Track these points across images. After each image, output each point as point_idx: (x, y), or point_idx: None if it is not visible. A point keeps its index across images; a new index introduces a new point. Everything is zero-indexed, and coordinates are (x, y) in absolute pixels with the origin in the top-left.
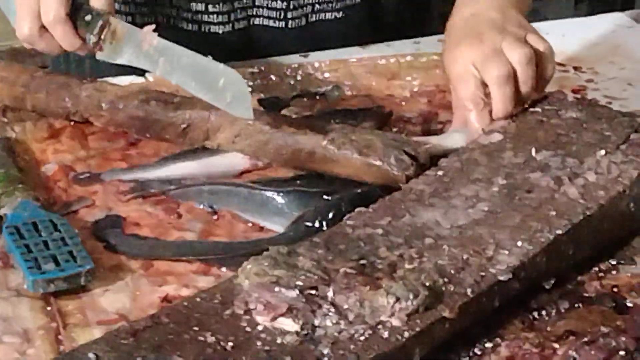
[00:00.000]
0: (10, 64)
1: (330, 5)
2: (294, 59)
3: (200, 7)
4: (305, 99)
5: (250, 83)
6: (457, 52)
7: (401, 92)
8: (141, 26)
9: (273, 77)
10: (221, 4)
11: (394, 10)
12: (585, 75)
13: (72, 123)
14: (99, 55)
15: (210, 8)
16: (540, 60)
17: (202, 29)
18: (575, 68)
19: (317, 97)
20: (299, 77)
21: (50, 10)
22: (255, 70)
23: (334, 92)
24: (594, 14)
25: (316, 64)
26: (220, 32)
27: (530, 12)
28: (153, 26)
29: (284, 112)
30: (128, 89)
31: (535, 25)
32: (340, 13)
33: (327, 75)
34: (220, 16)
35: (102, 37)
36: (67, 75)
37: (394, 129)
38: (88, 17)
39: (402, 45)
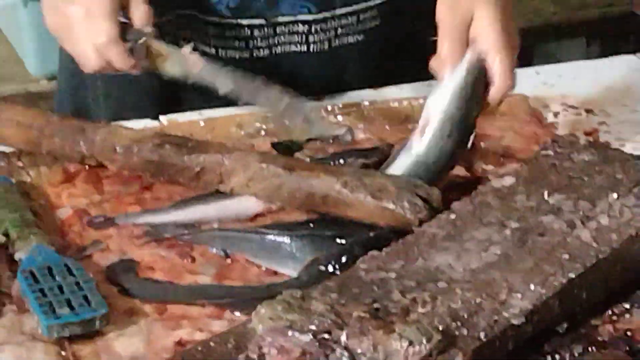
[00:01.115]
0: (26, 108)
1: (352, 28)
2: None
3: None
4: (318, 142)
5: (264, 126)
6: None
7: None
8: None
9: (287, 121)
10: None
11: (412, 30)
12: (598, 118)
13: (86, 167)
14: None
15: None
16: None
17: (219, 54)
18: (587, 111)
19: (331, 141)
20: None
21: (102, 32)
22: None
23: (347, 135)
24: (606, 55)
25: (329, 107)
26: (237, 57)
27: (543, 54)
28: (191, 45)
29: (297, 155)
30: (142, 133)
31: (548, 67)
32: (362, 36)
33: (340, 118)
34: (238, 42)
35: (146, 56)
36: (81, 119)
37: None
38: (132, 37)
39: (415, 88)
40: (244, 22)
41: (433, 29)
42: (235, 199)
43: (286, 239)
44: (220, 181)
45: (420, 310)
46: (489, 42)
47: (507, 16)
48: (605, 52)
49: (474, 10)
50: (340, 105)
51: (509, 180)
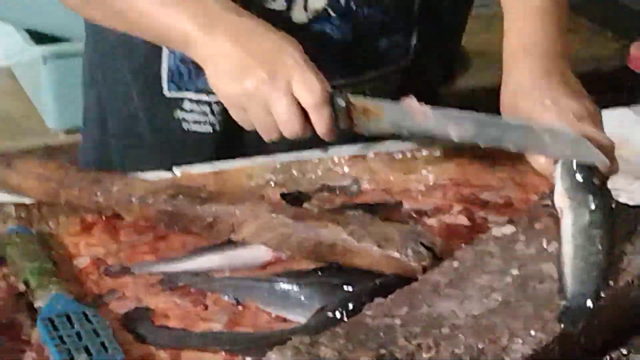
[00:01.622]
0: (45, 161)
1: (378, 90)
2: (314, 154)
3: None
4: (325, 193)
5: (274, 178)
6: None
7: (417, 186)
8: None
9: (295, 172)
10: None
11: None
12: None
13: (103, 217)
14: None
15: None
16: None
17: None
18: None
19: (337, 192)
20: (319, 172)
21: (317, 93)
22: (278, 165)
23: (353, 186)
24: (601, 108)
25: (336, 159)
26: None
27: None
28: (414, 99)
29: (305, 205)
30: (157, 184)
31: None
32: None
33: (346, 169)
34: None
35: (354, 118)
36: (98, 171)
37: (411, 221)
38: (339, 101)
39: (417, 140)
40: None
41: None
42: (246, 248)
43: (295, 287)
44: (232, 231)
45: (425, 355)
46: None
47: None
48: (600, 105)
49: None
50: (347, 157)
51: (509, 229)
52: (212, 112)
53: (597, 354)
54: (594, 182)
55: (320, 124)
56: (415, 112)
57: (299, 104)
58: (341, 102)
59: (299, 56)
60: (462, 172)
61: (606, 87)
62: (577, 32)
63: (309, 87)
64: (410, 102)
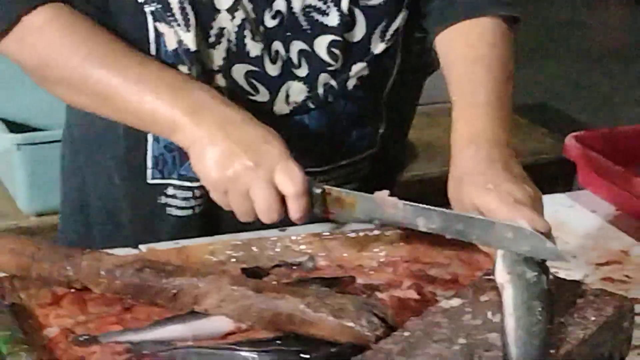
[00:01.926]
0: (19, 237)
1: (349, 176)
2: (272, 233)
3: None
4: (283, 269)
5: (235, 254)
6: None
7: (369, 262)
8: None
9: (254, 249)
10: None
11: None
12: None
13: (72, 290)
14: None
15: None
16: None
17: None
18: None
19: (294, 267)
20: (277, 249)
21: (298, 183)
22: (239, 242)
23: (308, 262)
24: None
25: (293, 237)
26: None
27: None
28: (387, 192)
29: (264, 279)
30: (124, 259)
31: None
32: (357, 183)
33: (302, 247)
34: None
35: (328, 206)
36: (68, 247)
37: (364, 295)
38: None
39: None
40: None
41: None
42: (209, 318)
43: (255, 355)
44: (195, 302)
45: None
46: (502, 214)
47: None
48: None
49: (474, 198)
50: (303, 236)
51: (456, 302)
52: (194, 196)
53: None
54: (532, 258)
55: (297, 211)
56: (386, 204)
57: (277, 191)
58: (317, 191)
59: (282, 147)
60: (411, 250)
61: (544, 177)
62: (516, 129)
63: (290, 177)
64: (382, 195)
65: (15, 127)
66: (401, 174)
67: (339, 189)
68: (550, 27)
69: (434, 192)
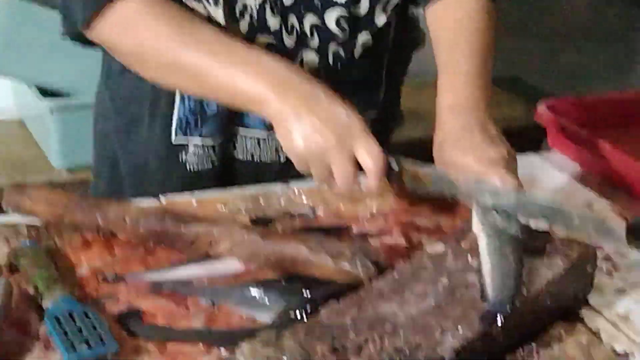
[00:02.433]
0: (53, 190)
1: None
2: (278, 187)
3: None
4: (287, 219)
5: (244, 206)
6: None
7: (363, 214)
8: None
9: (262, 201)
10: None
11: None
12: None
13: (101, 236)
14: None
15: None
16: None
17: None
18: None
19: (297, 218)
20: (282, 201)
21: (377, 160)
22: (248, 196)
23: (310, 213)
24: None
25: (296, 191)
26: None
27: None
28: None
29: (271, 228)
30: (147, 209)
31: None
32: None
33: (304, 199)
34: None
35: (404, 180)
36: (97, 198)
37: (359, 241)
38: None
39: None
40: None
41: None
42: (222, 261)
43: (262, 293)
44: (210, 247)
45: (371, 347)
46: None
47: (484, 137)
48: None
49: (455, 158)
50: (305, 190)
51: (440, 247)
52: (215, 152)
53: (513, 349)
54: (504, 210)
55: (375, 186)
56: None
57: (356, 164)
58: (395, 167)
59: (361, 124)
60: (400, 203)
61: (516, 141)
62: (492, 98)
63: (371, 154)
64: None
65: (48, 93)
66: (391, 137)
67: (413, 163)
68: (526, 4)
69: (417, 153)
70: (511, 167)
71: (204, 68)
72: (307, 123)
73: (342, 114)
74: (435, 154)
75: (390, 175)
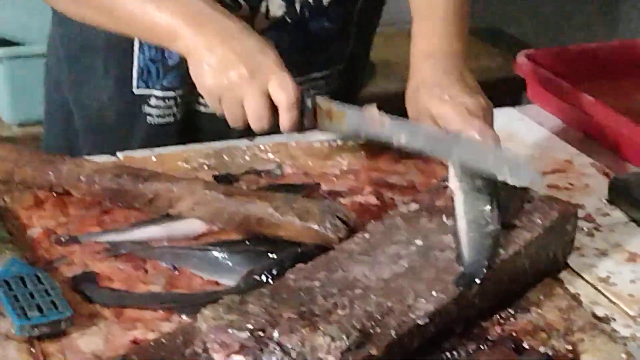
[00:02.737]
0: (3, 145)
1: (322, 89)
2: (243, 142)
3: None
4: (252, 176)
5: (207, 162)
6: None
7: (333, 170)
8: None
9: (225, 157)
10: None
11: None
12: None
13: (54, 194)
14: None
15: None
16: None
17: None
18: None
19: (263, 175)
20: (247, 157)
21: (290, 94)
22: (211, 151)
23: (276, 170)
24: None
25: (262, 147)
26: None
27: None
28: (374, 105)
29: (235, 185)
30: (103, 165)
31: None
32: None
33: (270, 155)
34: None
35: (317, 118)
36: (50, 153)
37: (328, 200)
38: (307, 101)
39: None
40: None
41: None
42: (183, 221)
43: (226, 255)
44: (170, 206)
45: (341, 312)
46: (456, 124)
47: (459, 83)
48: None
49: (429, 105)
50: (271, 145)
51: (413, 206)
52: (177, 104)
53: (489, 313)
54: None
55: (288, 123)
56: (374, 120)
57: (270, 101)
58: (309, 103)
59: (277, 58)
60: (372, 159)
61: (494, 93)
62: (469, 48)
63: (284, 88)
64: (371, 110)
65: None
66: (361, 91)
67: (329, 101)
68: None
69: (391, 108)
70: (489, 119)
71: (116, 0)
72: (219, 56)
73: (257, 48)
74: (408, 102)
75: (303, 112)
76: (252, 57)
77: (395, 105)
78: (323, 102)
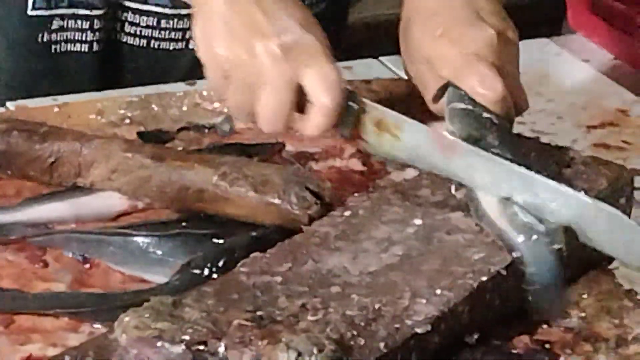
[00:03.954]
0: None
1: None
2: (179, 87)
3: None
4: (192, 132)
5: (129, 114)
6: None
7: None
8: None
9: (155, 107)
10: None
11: None
12: None
13: None
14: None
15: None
16: None
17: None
18: None
19: (206, 130)
20: (184, 108)
21: (334, 94)
22: (135, 99)
23: (224, 124)
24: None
25: (204, 93)
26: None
27: None
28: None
29: (168, 146)
30: None
31: None
32: None
33: (217, 105)
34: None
35: (360, 129)
36: None
37: (295, 165)
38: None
39: None
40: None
41: None
42: (96, 194)
43: (154, 241)
44: (78, 174)
45: (311, 317)
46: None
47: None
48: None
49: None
50: None
51: (411, 173)
52: (93, 32)
53: (513, 318)
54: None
55: (317, 129)
56: (441, 142)
57: (297, 95)
58: (354, 106)
59: (324, 42)
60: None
61: (526, 20)
62: None
63: (328, 85)
64: (437, 130)
65: None
66: (348, 13)
67: (381, 108)
68: None
69: (383, 37)
70: (502, 56)
71: None
72: (245, 17)
73: (301, 20)
74: (400, 40)
75: (344, 117)
76: (291, 31)
77: (387, 34)
78: (372, 108)
